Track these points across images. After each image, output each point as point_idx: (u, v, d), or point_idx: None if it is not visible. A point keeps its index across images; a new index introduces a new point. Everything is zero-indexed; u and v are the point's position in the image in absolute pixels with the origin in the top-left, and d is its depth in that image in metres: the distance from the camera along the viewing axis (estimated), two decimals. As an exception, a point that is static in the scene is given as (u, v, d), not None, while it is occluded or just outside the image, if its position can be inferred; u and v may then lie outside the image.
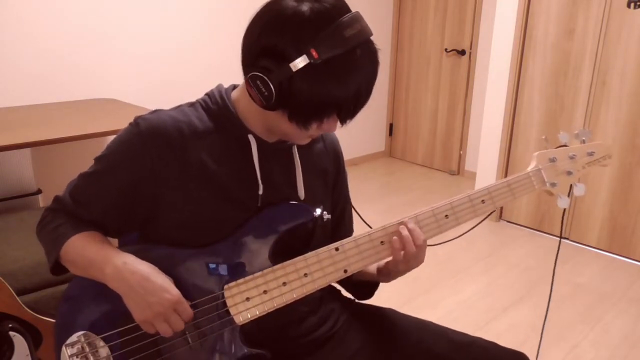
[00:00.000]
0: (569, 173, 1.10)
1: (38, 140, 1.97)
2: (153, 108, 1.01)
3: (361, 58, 0.83)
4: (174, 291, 0.89)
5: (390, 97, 4.79)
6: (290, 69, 0.81)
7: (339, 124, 0.92)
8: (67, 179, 1.00)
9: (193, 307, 0.92)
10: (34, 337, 1.30)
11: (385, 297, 2.52)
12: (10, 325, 1.26)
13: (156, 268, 0.90)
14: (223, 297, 0.92)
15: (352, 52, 0.82)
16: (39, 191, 2.46)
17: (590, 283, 2.76)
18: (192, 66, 3.35)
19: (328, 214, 1.06)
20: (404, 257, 0.96)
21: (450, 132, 4.42)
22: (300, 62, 0.80)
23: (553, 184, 1.09)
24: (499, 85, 3.33)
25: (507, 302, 2.56)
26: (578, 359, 2.15)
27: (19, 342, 1.27)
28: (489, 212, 1.06)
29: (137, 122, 0.93)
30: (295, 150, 1.01)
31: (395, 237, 0.95)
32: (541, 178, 1.08)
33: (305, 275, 0.93)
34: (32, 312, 1.31)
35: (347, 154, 4.49)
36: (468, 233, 3.25)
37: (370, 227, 0.99)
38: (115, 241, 1.03)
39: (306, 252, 0.94)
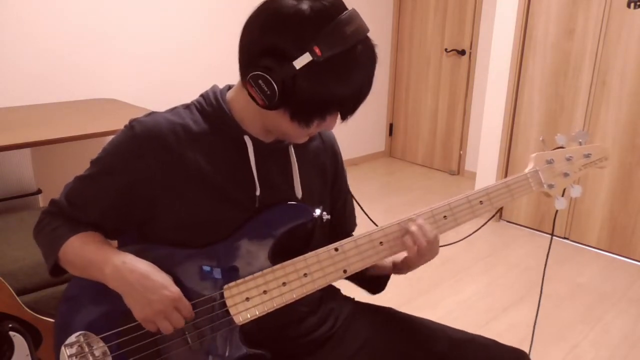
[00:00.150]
0: (566, 175, 1.10)
1: (38, 140, 1.97)
2: (153, 108, 1.01)
3: (361, 54, 0.84)
4: (174, 289, 0.89)
5: (390, 97, 4.79)
6: (293, 67, 0.81)
7: (338, 120, 0.92)
8: (67, 179, 1.00)
9: (193, 307, 0.92)
10: (34, 337, 1.30)
11: (385, 297, 2.51)
12: (10, 325, 1.26)
13: (155, 266, 0.91)
14: (223, 297, 0.92)
15: (353, 49, 0.83)
16: (39, 191, 2.46)
17: (590, 283, 2.76)
18: (192, 66, 3.35)
19: (327, 214, 1.06)
20: (417, 253, 0.97)
21: (450, 132, 4.42)
22: (303, 60, 0.80)
23: (550, 186, 1.09)
24: (499, 85, 3.33)
25: (507, 302, 2.56)
26: (578, 359, 2.15)
27: (19, 342, 1.27)
28: (488, 214, 1.06)
29: (132, 125, 0.93)
30: (291, 149, 1.01)
31: (406, 235, 0.97)
32: (539, 179, 1.09)
33: (305, 275, 0.93)
34: (32, 312, 1.31)
35: (347, 154, 4.49)
36: (468, 233, 3.26)
37: (377, 225, 0.99)
38: (114, 242, 1.03)
39: (306, 252, 0.94)
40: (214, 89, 0.99)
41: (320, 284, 0.94)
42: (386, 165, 4.72)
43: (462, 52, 4.17)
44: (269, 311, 0.93)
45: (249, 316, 0.92)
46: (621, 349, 2.22)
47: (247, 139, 0.95)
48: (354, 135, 4.59)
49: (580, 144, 1.12)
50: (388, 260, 1.10)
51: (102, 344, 0.94)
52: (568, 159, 1.10)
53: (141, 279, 0.88)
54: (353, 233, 1.22)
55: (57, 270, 0.99)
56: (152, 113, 0.96)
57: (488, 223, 3.49)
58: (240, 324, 0.92)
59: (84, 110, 2.58)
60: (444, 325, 1.14)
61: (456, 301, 2.56)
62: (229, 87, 1.00)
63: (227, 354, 0.93)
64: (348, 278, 1.04)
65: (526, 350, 1.13)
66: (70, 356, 0.93)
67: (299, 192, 1.01)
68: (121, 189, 0.93)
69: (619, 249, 3.04)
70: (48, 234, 0.97)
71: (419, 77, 4.53)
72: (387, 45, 4.63)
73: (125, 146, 0.93)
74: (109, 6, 2.90)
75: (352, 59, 0.83)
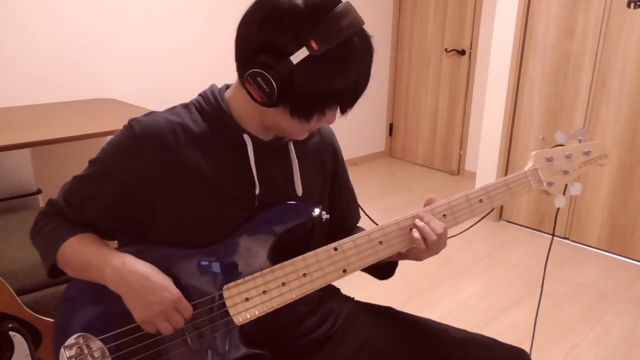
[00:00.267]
0: (566, 172, 1.10)
1: (38, 140, 1.97)
2: (153, 108, 1.01)
3: (358, 46, 0.84)
4: (174, 290, 0.89)
5: (390, 97, 4.79)
6: (290, 62, 0.81)
7: (338, 115, 0.92)
8: (67, 179, 1.00)
9: (193, 307, 0.92)
10: (34, 337, 1.30)
11: (385, 297, 2.52)
12: (10, 325, 1.26)
13: (155, 267, 0.91)
14: (222, 297, 0.92)
15: (350, 42, 0.83)
16: (39, 191, 2.46)
17: (590, 283, 2.76)
18: (192, 66, 3.35)
19: (327, 213, 1.06)
20: (426, 247, 0.97)
21: (450, 132, 4.42)
22: (300, 55, 0.80)
23: (550, 184, 1.09)
24: (499, 85, 3.32)
25: (507, 302, 2.56)
26: (578, 359, 2.15)
27: (19, 342, 1.27)
28: (487, 212, 1.06)
29: (131, 125, 0.93)
30: (291, 147, 1.01)
31: (414, 230, 0.97)
32: (538, 177, 1.08)
33: (304, 275, 0.93)
34: (32, 312, 1.31)
35: (347, 154, 4.49)
36: (468, 233, 3.26)
37: (377, 224, 0.99)
38: (114, 242, 1.03)
39: (305, 251, 0.94)
40: (212, 88, 0.99)
41: (319, 283, 0.94)
42: (386, 165, 4.72)
43: (462, 52, 4.17)
44: (269, 311, 0.93)
45: (248, 316, 0.92)
46: (621, 349, 2.22)
47: (246, 137, 0.95)
48: (354, 135, 4.58)
49: (579, 141, 1.12)
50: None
51: (101, 345, 0.94)
52: (568, 157, 1.10)
53: (141, 280, 0.87)
54: (357, 225, 1.22)
55: (55, 272, 0.99)
56: (151, 113, 0.96)
57: (488, 223, 3.49)
58: (240, 324, 0.92)
59: (84, 110, 2.58)
60: (444, 325, 1.14)
61: (456, 301, 2.56)
62: (227, 87, 1.00)
63: (226, 354, 0.93)
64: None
65: (535, 352, 1.12)
66: (69, 358, 0.93)
67: (299, 190, 1.01)
68: (120, 189, 0.92)
69: (619, 249, 3.04)
70: (46, 235, 0.97)
71: (419, 77, 4.53)
72: (387, 45, 4.63)
73: (124, 146, 0.93)
74: (109, 6, 2.90)
75: (349, 52, 0.83)
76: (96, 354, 0.93)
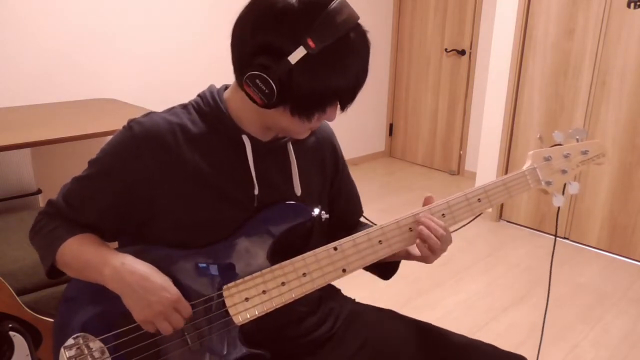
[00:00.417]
0: (564, 171, 1.10)
1: (38, 140, 1.97)
2: (153, 108, 1.01)
3: (355, 42, 0.84)
4: (173, 290, 0.89)
5: (390, 97, 4.79)
6: (288, 62, 0.80)
7: (338, 112, 0.92)
8: (67, 179, 1.00)
9: (192, 307, 0.92)
10: (34, 337, 1.30)
11: (385, 297, 2.52)
12: (10, 325, 1.26)
13: (155, 268, 0.91)
14: (222, 297, 0.92)
15: (346, 38, 0.82)
16: (39, 191, 2.46)
17: (590, 283, 2.76)
18: (192, 66, 3.36)
19: (326, 213, 1.06)
20: (430, 250, 0.97)
21: (450, 132, 4.42)
22: (297, 54, 0.80)
23: (548, 183, 1.09)
24: (499, 85, 3.33)
25: (507, 302, 2.56)
26: (578, 359, 2.15)
27: (19, 342, 1.27)
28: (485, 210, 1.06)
29: (130, 126, 0.93)
30: (290, 147, 1.01)
31: (417, 240, 0.97)
32: (536, 177, 1.08)
33: (304, 275, 0.93)
34: (32, 312, 1.31)
35: (347, 154, 4.49)
36: (468, 233, 3.26)
37: (375, 224, 0.99)
38: (114, 243, 1.03)
39: (305, 251, 0.94)
40: (211, 88, 0.98)
41: (319, 283, 0.94)
42: (386, 165, 4.72)
43: (462, 52, 4.17)
44: (268, 311, 0.93)
45: (248, 316, 0.92)
46: (621, 349, 2.22)
47: (245, 138, 0.95)
48: (354, 135, 4.59)
49: (577, 141, 1.12)
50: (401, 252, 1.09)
51: (101, 345, 0.94)
52: (566, 156, 1.10)
53: (141, 280, 0.88)
54: (361, 219, 1.22)
55: (54, 273, 0.99)
56: (150, 113, 0.96)
57: (488, 223, 3.49)
58: (240, 324, 0.92)
59: (84, 110, 2.58)
60: (443, 329, 1.14)
61: (456, 301, 2.56)
62: (226, 87, 0.99)
63: (226, 354, 0.93)
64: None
65: (533, 353, 1.12)
66: (69, 358, 0.93)
67: (298, 190, 1.01)
68: (119, 189, 0.92)
69: (619, 249, 3.04)
70: (45, 235, 0.97)
71: (419, 77, 4.53)
72: (387, 45, 4.63)
73: (124, 146, 0.93)
74: (109, 6, 2.90)
75: (346, 48, 0.83)
76: (96, 354, 0.93)
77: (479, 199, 1.03)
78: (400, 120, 4.78)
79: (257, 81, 0.82)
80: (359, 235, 0.96)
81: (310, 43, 0.79)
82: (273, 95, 0.83)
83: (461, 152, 4.42)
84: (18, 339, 1.26)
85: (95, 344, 0.93)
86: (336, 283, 1.12)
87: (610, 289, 2.71)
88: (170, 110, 0.97)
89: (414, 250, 1.02)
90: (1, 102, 2.62)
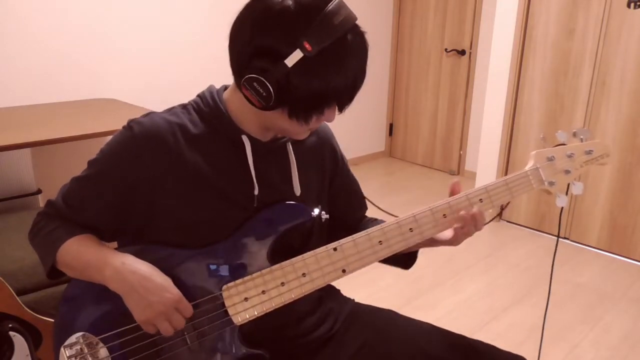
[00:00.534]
0: (567, 172, 1.09)
1: (38, 140, 1.97)
2: (153, 108, 1.01)
3: (352, 43, 0.84)
4: (174, 290, 0.89)
5: (390, 97, 4.79)
6: (285, 65, 0.80)
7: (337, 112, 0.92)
8: (67, 179, 1.00)
9: (192, 307, 0.92)
10: (34, 337, 1.30)
11: (385, 297, 2.52)
12: (10, 325, 1.26)
13: (156, 268, 0.91)
14: (222, 297, 0.92)
15: (344, 39, 0.82)
16: (39, 191, 2.46)
17: (590, 283, 2.76)
18: (192, 66, 3.35)
19: (326, 213, 1.06)
20: (465, 235, 0.99)
21: (450, 132, 4.42)
22: (294, 57, 0.80)
23: (551, 183, 1.08)
24: (499, 85, 3.32)
25: (507, 302, 2.56)
26: (578, 359, 2.15)
27: (19, 342, 1.27)
28: (492, 214, 1.05)
29: (130, 126, 0.93)
30: (289, 147, 1.01)
31: (457, 224, 0.98)
32: (539, 177, 1.08)
33: (304, 275, 0.93)
34: (32, 312, 1.31)
35: (347, 154, 4.48)
36: (468, 233, 3.25)
37: (396, 216, 0.98)
38: (114, 244, 1.02)
39: (304, 252, 0.94)
40: (210, 89, 0.98)
41: (319, 283, 0.94)
42: (386, 165, 4.72)
43: (462, 52, 4.17)
44: (268, 311, 0.93)
45: (247, 316, 0.92)
46: (621, 349, 2.22)
47: (244, 138, 0.95)
48: (354, 135, 4.58)
49: (581, 140, 1.12)
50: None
51: (101, 345, 0.94)
52: (569, 156, 1.09)
53: (142, 280, 0.87)
54: (366, 215, 1.22)
55: (55, 273, 0.98)
56: (150, 113, 0.96)
57: (488, 223, 3.49)
58: (239, 324, 0.92)
59: (84, 110, 2.58)
60: (444, 330, 1.13)
61: (456, 301, 2.56)
62: (226, 87, 1.00)
63: (226, 354, 0.93)
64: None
65: (533, 353, 1.12)
66: (69, 357, 0.93)
67: (297, 191, 1.01)
68: (119, 189, 0.92)
69: (619, 249, 3.04)
70: (45, 236, 0.97)
71: (419, 77, 4.53)
72: (387, 45, 4.63)
73: (123, 147, 0.93)
74: (110, 6, 2.90)
75: (344, 50, 0.83)
76: (96, 354, 0.93)
77: (480, 199, 1.03)
78: (400, 120, 4.78)
79: (255, 84, 0.83)
80: (359, 236, 0.96)
81: (307, 46, 0.79)
82: (271, 98, 0.83)
83: (461, 152, 4.41)
84: (18, 339, 1.26)
85: (96, 344, 0.93)
86: (336, 283, 1.12)
87: (610, 289, 2.71)
88: (170, 111, 0.97)
89: (441, 236, 1.02)
90: (1, 102, 2.62)
